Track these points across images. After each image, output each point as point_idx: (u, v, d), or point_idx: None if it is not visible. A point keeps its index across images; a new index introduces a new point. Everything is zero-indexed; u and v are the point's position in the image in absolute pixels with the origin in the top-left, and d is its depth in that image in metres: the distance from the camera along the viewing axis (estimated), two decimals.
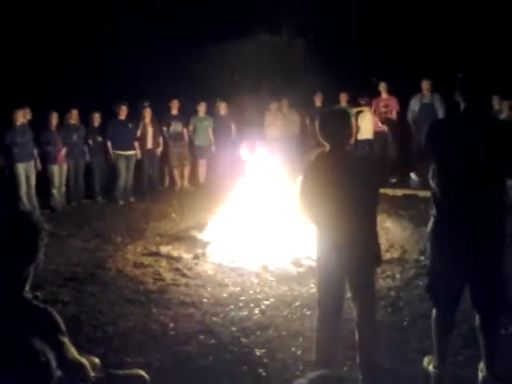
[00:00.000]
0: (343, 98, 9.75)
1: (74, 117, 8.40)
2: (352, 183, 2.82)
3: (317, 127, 2.96)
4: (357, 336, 2.98)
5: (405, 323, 3.83)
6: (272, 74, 11.86)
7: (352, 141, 9.60)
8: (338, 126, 2.92)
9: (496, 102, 8.43)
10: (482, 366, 2.95)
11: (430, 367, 3.07)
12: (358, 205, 2.85)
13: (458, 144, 2.76)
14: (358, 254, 2.87)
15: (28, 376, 1.63)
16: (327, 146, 2.93)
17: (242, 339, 3.68)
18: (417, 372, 3.15)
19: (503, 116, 8.00)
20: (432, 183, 2.90)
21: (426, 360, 3.17)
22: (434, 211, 2.89)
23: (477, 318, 2.92)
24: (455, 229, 2.80)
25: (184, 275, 5.06)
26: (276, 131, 9.92)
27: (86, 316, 4.12)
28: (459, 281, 2.87)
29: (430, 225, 2.92)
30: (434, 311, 2.99)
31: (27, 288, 1.84)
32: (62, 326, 1.82)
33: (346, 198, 2.81)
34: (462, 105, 2.88)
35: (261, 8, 12.20)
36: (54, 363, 1.67)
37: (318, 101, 9.96)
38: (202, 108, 9.80)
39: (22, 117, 7.66)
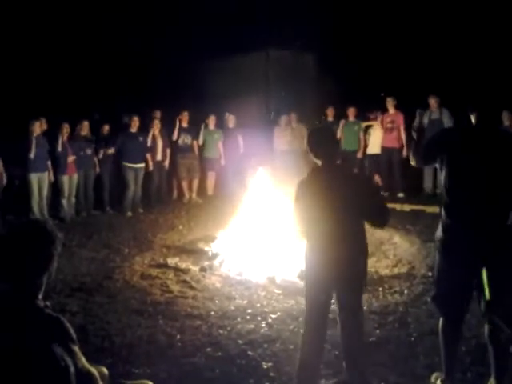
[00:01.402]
0: (351, 113, 9.78)
1: (84, 128, 8.50)
2: (343, 198, 2.86)
3: (306, 145, 3.02)
4: (343, 353, 2.99)
5: (412, 339, 3.80)
6: (281, 88, 11.96)
7: (360, 155, 9.70)
8: (325, 142, 2.99)
9: (506, 118, 8.42)
10: (492, 381, 2.93)
11: (438, 382, 3.06)
12: (349, 218, 2.88)
13: (470, 157, 2.79)
14: (346, 271, 2.89)
15: (49, 380, 1.66)
16: (319, 162, 2.99)
17: (249, 352, 3.68)
18: None
19: None
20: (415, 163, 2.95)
21: (433, 376, 3.15)
22: (443, 221, 2.90)
23: (486, 329, 2.91)
24: (464, 239, 2.81)
25: (191, 287, 5.07)
26: (285, 145, 9.98)
27: (93, 326, 4.14)
28: (466, 290, 2.88)
29: (438, 234, 2.93)
30: (440, 321, 3.00)
31: (40, 296, 1.87)
32: (73, 335, 1.85)
33: (336, 213, 2.85)
34: (475, 119, 2.90)
35: (270, 22, 12.34)
36: (72, 368, 1.69)
37: (330, 115, 10.00)
38: (212, 121, 9.90)
39: (39, 128, 7.77)
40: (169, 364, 3.52)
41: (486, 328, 2.91)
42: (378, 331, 3.96)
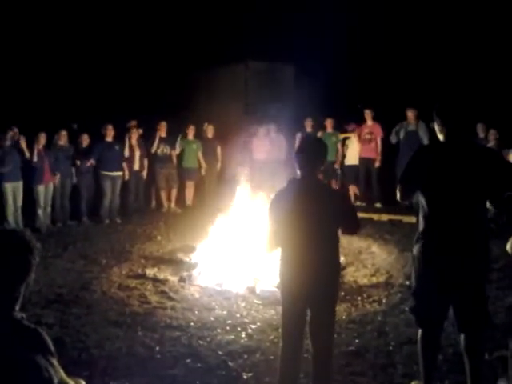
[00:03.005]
0: (329, 124, 9.89)
1: (62, 138, 8.41)
2: (318, 211, 2.88)
3: (294, 154, 3.04)
4: (312, 366, 3.00)
5: (391, 347, 3.84)
6: (259, 99, 12.04)
7: (338, 165, 9.81)
8: (313, 154, 2.98)
9: (480, 130, 8.63)
10: None
11: None
12: (322, 233, 2.90)
13: (444, 172, 2.83)
14: (319, 285, 2.90)
15: None
16: (299, 173, 3.01)
17: (229, 363, 3.66)
18: None
19: (490, 145, 8.15)
20: (402, 202, 2.98)
21: None
22: (420, 235, 2.95)
23: (462, 339, 2.97)
24: (441, 253, 2.86)
25: (170, 298, 5.02)
26: (263, 155, 10.02)
27: (70, 338, 4.05)
28: (443, 302, 2.92)
29: (416, 248, 2.98)
30: (419, 332, 3.03)
31: (17, 308, 1.83)
32: (52, 348, 1.81)
33: (310, 225, 2.87)
34: (443, 133, 2.95)
35: (250, 34, 12.47)
36: (55, 379, 1.66)
37: (308, 126, 10.10)
38: (191, 131, 9.91)
39: (11, 137, 7.65)
40: (148, 376, 3.47)
41: (462, 337, 2.96)
42: (357, 340, 3.99)
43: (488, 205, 2.91)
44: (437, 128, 3.02)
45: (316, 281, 2.90)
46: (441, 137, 3.00)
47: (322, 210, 2.89)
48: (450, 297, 2.91)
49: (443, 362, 3.44)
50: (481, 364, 2.98)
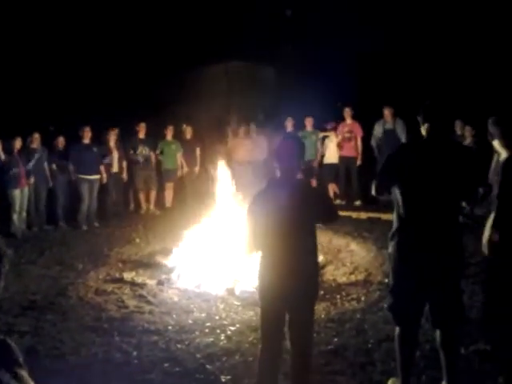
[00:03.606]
0: (309, 123, 9.91)
1: (35, 141, 8.25)
2: (298, 211, 2.86)
3: (273, 153, 3.01)
4: (291, 369, 2.98)
5: (370, 345, 3.84)
6: (240, 100, 12.02)
7: (317, 164, 9.84)
8: (290, 152, 2.97)
9: (458, 127, 8.73)
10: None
11: None
12: (302, 234, 2.88)
13: (423, 169, 2.84)
14: (299, 287, 2.89)
15: None
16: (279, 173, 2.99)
17: (208, 366, 3.62)
18: None
19: (466, 142, 8.25)
20: (377, 195, 3.00)
21: (390, 381, 3.19)
22: (395, 232, 2.96)
23: (437, 335, 2.98)
24: (416, 250, 2.87)
25: (148, 302, 4.95)
26: (244, 155, 10.00)
27: (45, 346, 3.97)
28: (420, 299, 2.94)
29: (391, 245, 2.98)
30: (396, 329, 3.04)
31: None
32: (20, 359, 1.75)
33: (290, 225, 2.85)
34: (426, 130, 2.97)
35: (230, 35, 12.43)
36: None
37: (289, 125, 10.10)
38: (169, 132, 9.84)
39: None
40: (125, 382, 3.42)
41: (438, 333, 2.98)
42: (335, 339, 3.98)
43: (463, 203, 2.93)
44: (421, 124, 3.04)
45: (295, 282, 2.88)
46: (424, 132, 3.01)
47: (301, 210, 2.87)
48: (426, 293, 2.93)
49: (420, 359, 3.45)
50: (456, 359, 3.01)
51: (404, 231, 2.91)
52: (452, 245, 2.88)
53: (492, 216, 2.98)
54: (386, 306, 3.21)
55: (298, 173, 3.03)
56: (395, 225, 2.97)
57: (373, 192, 3.11)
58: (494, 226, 2.87)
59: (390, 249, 2.99)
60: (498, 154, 3.74)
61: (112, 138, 9.02)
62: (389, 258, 3.05)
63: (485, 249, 2.93)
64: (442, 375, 3.01)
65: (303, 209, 2.87)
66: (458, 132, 8.74)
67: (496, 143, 3.11)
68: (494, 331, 3.51)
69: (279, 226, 2.87)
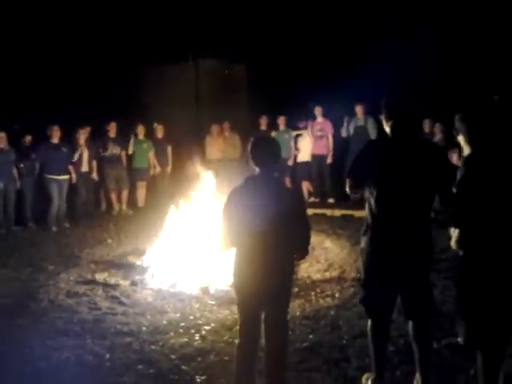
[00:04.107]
0: (281, 122, 9.94)
1: (1, 140, 8.01)
2: (275, 209, 2.85)
3: (248, 152, 3.00)
4: (265, 367, 2.99)
5: (344, 341, 3.87)
6: (211, 98, 11.97)
7: (291, 162, 9.87)
8: (267, 151, 2.97)
9: (427, 126, 8.89)
10: (417, 377, 3.05)
11: (369, 383, 3.13)
12: (278, 231, 2.87)
13: (389, 167, 2.88)
14: (275, 285, 2.89)
15: None
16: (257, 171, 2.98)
17: (183, 367, 3.58)
18: None
19: (436, 139, 8.39)
20: (351, 194, 3.03)
21: (364, 376, 3.22)
22: (366, 228, 2.99)
23: (410, 327, 3.03)
24: (388, 244, 2.91)
25: (121, 303, 4.87)
26: (217, 154, 9.97)
27: (14, 352, 3.84)
28: (391, 292, 2.99)
29: (363, 240, 3.01)
30: (369, 323, 3.08)
31: None
32: None
33: (266, 223, 2.84)
34: (390, 128, 3.00)
35: (201, 32, 12.35)
36: None
37: (263, 124, 10.09)
38: (140, 131, 9.72)
39: None
40: None
41: (410, 326, 3.02)
42: (311, 336, 3.99)
43: (436, 202, 2.97)
44: (384, 122, 3.07)
45: (271, 280, 2.89)
46: (388, 130, 3.04)
47: (278, 209, 2.86)
48: (397, 287, 2.97)
49: (394, 354, 3.50)
50: (429, 352, 3.07)
51: (375, 227, 2.95)
52: (422, 240, 2.93)
53: None
54: (358, 299, 3.24)
55: (274, 172, 3.02)
56: (367, 221, 3.01)
57: (347, 190, 3.13)
58: (454, 222, 2.92)
59: (362, 244, 3.04)
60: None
61: (82, 136, 8.84)
62: (361, 253, 3.10)
63: (453, 244, 2.99)
64: (416, 369, 3.06)
65: (279, 207, 2.87)
66: (427, 130, 8.91)
67: (461, 139, 3.19)
68: (466, 325, 3.59)
69: (255, 224, 2.85)
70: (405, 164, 2.86)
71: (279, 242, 2.90)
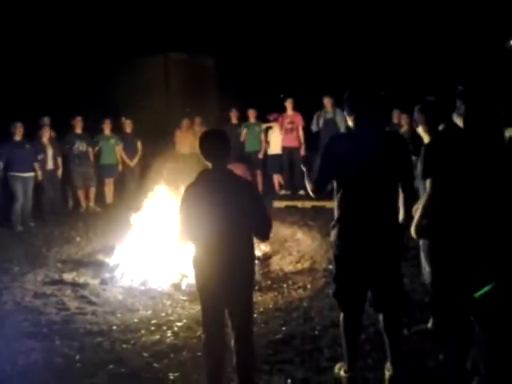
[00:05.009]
0: (252, 114, 9.89)
1: None
2: (230, 202, 2.82)
3: (198, 147, 2.95)
4: (234, 358, 2.97)
5: (316, 332, 3.89)
6: (181, 92, 11.80)
7: (262, 155, 9.85)
8: (217, 145, 2.93)
9: (395, 116, 8.99)
10: (388, 365, 3.09)
11: (341, 372, 3.16)
12: (235, 225, 2.85)
13: (352, 159, 2.88)
14: (235, 278, 2.86)
15: None
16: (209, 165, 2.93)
17: (155, 364, 3.54)
18: (329, 380, 3.21)
19: (403, 130, 8.49)
20: (310, 190, 3.03)
21: (337, 366, 3.25)
22: (336, 221, 2.99)
23: (380, 319, 3.06)
24: (357, 237, 2.92)
25: (91, 302, 4.78)
26: (187, 148, 9.85)
27: None
28: (362, 285, 3.01)
29: (333, 234, 3.02)
30: (341, 315, 3.09)
31: None
32: None
33: (224, 217, 2.81)
34: (352, 122, 3.00)
35: (170, 24, 12.17)
36: None
37: (233, 117, 10.02)
38: (107, 126, 9.51)
39: None
40: None
41: (381, 316, 3.05)
42: (283, 328, 4.00)
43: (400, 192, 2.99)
44: (347, 116, 3.08)
45: (230, 275, 2.85)
46: (350, 124, 3.05)
47: (233, 201, 2.83)
48: (367, 279, 2.99)
49: (365, 342, 3.53)
50: (399, 340, 3.11)
51: (343, 220, 2.96)
52: (390, 232, 2.95)
53: (419, 202, 3.08)
54: (330, 292, 3.25)
55: (226, 164, 2.96)
56: (336, 214, 3.01)
57: (310, 192, 3.11)
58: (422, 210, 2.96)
59: (332, 237, 3.03)
60: None
61: (45, 133, 8.59)
62: (331, 246, 3.10)
63: (413, 232, 3.04)
64: (387, 357, 3.09)
65: (234, 200, 2.84)
66: (395, 121, 9.01)
67: (420, 129, 3.27)
68: (436, 312, 3.65)
69: (211, 220, 2.82)
70: (367, 156, 2.87)
71: (237, 236, 2.87)
